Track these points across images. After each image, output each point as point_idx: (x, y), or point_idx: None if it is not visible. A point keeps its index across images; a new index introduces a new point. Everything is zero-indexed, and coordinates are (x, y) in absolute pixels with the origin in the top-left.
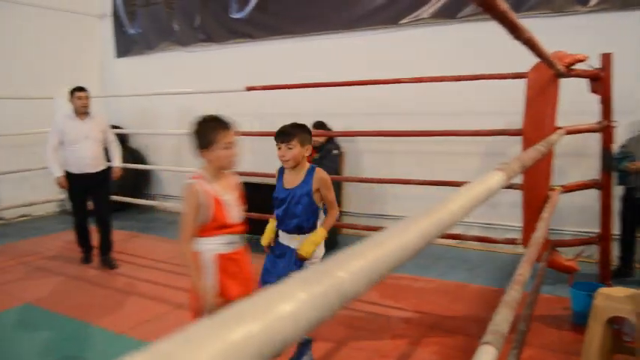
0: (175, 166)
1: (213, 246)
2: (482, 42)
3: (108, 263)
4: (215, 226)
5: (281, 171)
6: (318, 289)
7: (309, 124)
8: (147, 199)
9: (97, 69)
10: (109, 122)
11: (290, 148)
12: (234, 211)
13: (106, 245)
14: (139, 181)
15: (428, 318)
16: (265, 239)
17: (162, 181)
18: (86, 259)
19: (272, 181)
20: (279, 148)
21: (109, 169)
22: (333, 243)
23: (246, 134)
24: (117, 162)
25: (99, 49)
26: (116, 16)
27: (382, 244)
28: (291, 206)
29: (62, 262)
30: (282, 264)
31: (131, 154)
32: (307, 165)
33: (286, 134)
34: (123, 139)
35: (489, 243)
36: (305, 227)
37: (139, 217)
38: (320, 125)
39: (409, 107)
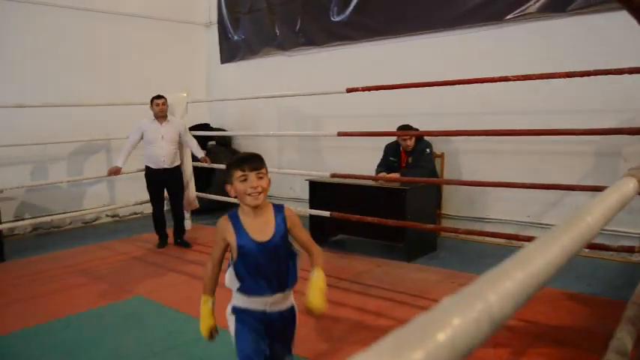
0: (276, 167)
1: None
2: (592, 36)
3: (183, 244)
4: None
5: (236, 221)
6: (471, 315)
7: (396, 125)
8: None
9: (203, 75)
10: (187, 126)
11: (261, 177)
12: None
13: (180, 229)
14: None
15: (533, 327)
16: None
17: None
18: (161, 244)
19: (363, 182)
20: (244, 179)
21: (180, 166)
22: (432, 246)
23: (349, 134)
24: (198, 152)
25: (205, 56)
26: (221, 24)
27: (527, 263)
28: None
29: (170, 257)
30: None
31: (233, 155)
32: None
33: (257, 159)
34: (227, 140)
35: (602, 250)
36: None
37: None
38: (406, 128)
39: (513, 106)
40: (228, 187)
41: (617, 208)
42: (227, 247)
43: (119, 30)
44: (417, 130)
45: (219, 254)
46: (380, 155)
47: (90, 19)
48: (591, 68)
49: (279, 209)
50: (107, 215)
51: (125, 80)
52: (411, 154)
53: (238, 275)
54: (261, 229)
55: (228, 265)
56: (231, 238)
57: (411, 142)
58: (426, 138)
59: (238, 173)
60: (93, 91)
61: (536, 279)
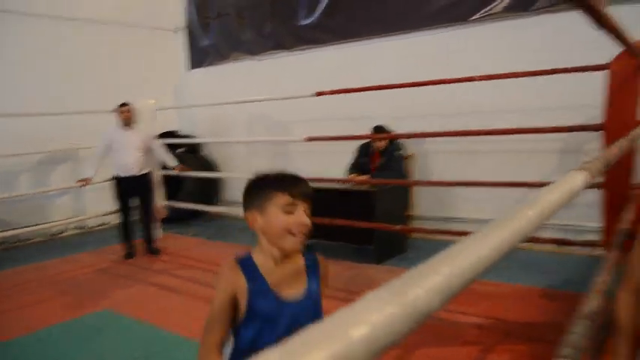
0: (247, 173)
1: None
2: (556, 35)
3: (152, 251)
4: None
5: (250, 267)
6: (392, 310)
7: (370, 128)
8: (218, 207)
9: (171, 81)
10: (154, 133)
11: (307, 213)
12: None
13: (149, 237)
14: (210, 188)
15: (501, 324)
16: None
17: (234, 188)
18: (129, 255)
19: (332, 185)
20: (291, 210)
21: (149, 173)
22: (402, 248)
23: (317, 139)
24: (170, 161)
25: (173, 62)
26: (190, 29)
27: (457, 257)
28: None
29: (138, 268)
30: None
31: (203, 162)
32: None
33: (308, 185)
34: (196, 147)
35: (567, 245)
36: None
37: (210, 224)
38: (380, 129)
39: (482, 106)
40: (254, 216)
41: (563, 201)
42: (234, 311)
43: (85, 36)
44: (390, 132)
45: (224, 326)
46: (350, 158)
47: (54, 25)
48: (555, 66)
49: (312, 258)
50: (74, 227)
51: (91, 88)
52: (383, 155)
53: (239, 349)
54: (289, 282)
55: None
56: (242, 293)
57: (382, 144)
58: (399, 142)
59: (284, 199)
60: (57, 99)
61: (467, 274)
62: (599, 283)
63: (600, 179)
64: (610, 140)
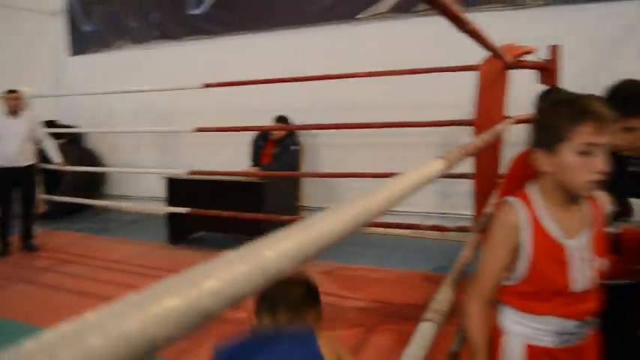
0: (132, 166)
1: (525, 329)
2: (438, 36)
3: (30, 247)
4: (535, 292)
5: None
6: (243, 268)
7: (270, 119)
8: (103, 200)
9: (50, 67)
10: (40, 120)
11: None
12: (583, 273)
13: (28, 233)
14: (94, 181)
15: (384, 307)
16: None
17: (119, 180)
18: (4, 252)
19: (227, 178)
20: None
21: (34, 165)
22: None
23: (207, 130)
24: (55, 156)
25: (52, 47)
26: (71, 13)
27: (309, 227)
28: None
29: (15, 266)
30: None
31: (86, 153)
32: None
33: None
34: (77, 138)
35: (443, 232)
36: None
37: (95, 218)
38: (282, 119)
39: (366, 101)
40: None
41: (418, 186)
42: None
43: None
44: (291, 123)
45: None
46: (241, 151)
47: None
48: (433, 65)
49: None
50: None
51: None
52: (277, 145)
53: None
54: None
55: None
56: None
57: (280, 133)
58: (296, 135)
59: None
60: None
61: (316, 242)
62: (461, 257)
63: (472, 171)
64: (479, 134)
